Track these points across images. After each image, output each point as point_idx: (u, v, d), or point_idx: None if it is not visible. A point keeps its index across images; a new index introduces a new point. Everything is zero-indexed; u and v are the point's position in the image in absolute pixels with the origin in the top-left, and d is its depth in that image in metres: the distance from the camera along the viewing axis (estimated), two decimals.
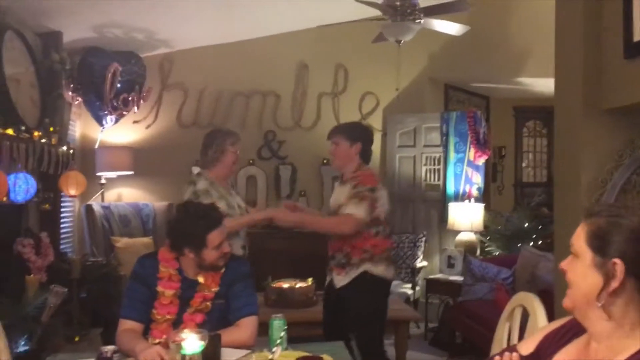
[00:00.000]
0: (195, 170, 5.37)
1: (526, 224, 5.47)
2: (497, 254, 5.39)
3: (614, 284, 1.12)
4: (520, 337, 1.89)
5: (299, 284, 4.02)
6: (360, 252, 3.03)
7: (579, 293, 1.18)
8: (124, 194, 6.04)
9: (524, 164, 8.03)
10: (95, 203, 5.53)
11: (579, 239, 1.19)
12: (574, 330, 1.28)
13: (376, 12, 4.46)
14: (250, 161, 6.09)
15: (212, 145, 3.12)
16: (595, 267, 1.15)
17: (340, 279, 3.09)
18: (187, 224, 2.24)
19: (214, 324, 2.22)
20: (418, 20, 4.21)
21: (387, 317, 3.19)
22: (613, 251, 1.13)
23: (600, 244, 1.15)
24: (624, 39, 2.42)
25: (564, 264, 1.22)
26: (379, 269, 3.03)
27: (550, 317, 1.73)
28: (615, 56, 2.49)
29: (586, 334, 1.23)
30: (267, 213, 3.18)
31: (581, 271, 1.17)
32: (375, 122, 6.29)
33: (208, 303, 2.28)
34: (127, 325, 2.25)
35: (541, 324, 1.75)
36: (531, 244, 5.13)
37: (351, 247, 3.04)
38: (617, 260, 1.12)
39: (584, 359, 1.20)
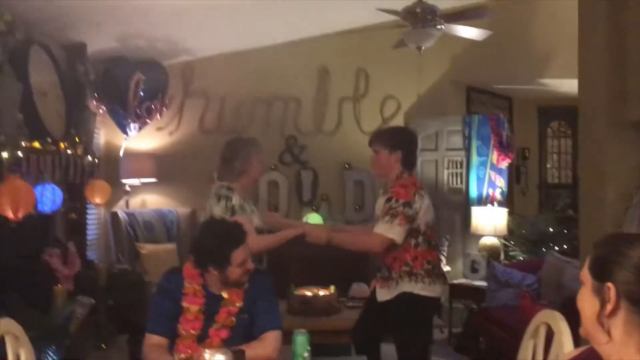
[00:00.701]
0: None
1: (551, 229, 5.39)
2: (521, 258, 5.34)
3: (609, 307, 1.19)
4: (545, 355, 1.88)
5: (322, 292, 4.02)
6: (399, 266, 2.90)
7: (584, 318, 1.26)
8: (148, 200, 6.11)
9: (548, 165, 7.93)
10: (120, 210, 5.60)
11: (585, 268, 1.27)
12: (592, 357, 1.31)
13: (396, 18, 4.45)
14: (272, 166, 6.11)
15: (238, 157, 3.01)
16: (593, 292, 1.23)
17: (383, 293, 3.00)
18: (211, 243, 2.26)
19: (239, 338, 2.24)
20: (439, 27, 4.18)
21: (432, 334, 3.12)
22: (607, 276, 1.20)
23: (597, 270, 1.23)
24: None
25: (578, 295, 1.29)
26: (420, 287, 2.87)
27: (576, 335, 1.71)
28: None
29: None
30: (298, 231, 2.95)
31: (585, 297, 1.25)
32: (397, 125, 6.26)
33: (233, 318, 2.30)
34: (154, 340, 2.28)
35: (566, 344, 1.74)
36: (557, 248, 5.07)
37: (392, 260, 2.93)
38: (610, 285, 1.19)
39: None
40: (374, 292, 3.13)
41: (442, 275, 3.00)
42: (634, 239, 1.25)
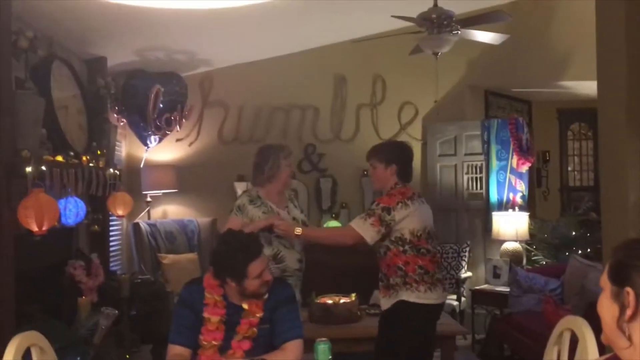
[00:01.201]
0: (240, 187, 5.50)
1: (574, 232, 5.33)
2: (544, 263, 5.28)
3: (628, 312, 1.18)
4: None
5: (343, 300, 4.01)
6: (394, 270, 2.98)
7: (604, 324, 1.25)
8: (169, 211, 6.17)
9: (569, 168, 7.84)
10: (142, 221, 5.66)
11: (604, 273, 1.26)
12: None
13: (412, 25, 4.45)
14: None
15: (268, 161, 3.12)
16: (613, 298, 1.22)
17: (384, 302, 3.07)
18: (228, 256, 2.28)
19: (260, 349, 2.25)
20: (455, 32, 4.17)
21: (433, 341, 3.14)
22: (626, 281, 1.20)
23: (616, 276, 1.22)
24: None
25: (598, 301, 1.29)
26: (415, 295, 2.94)
27: (600, 340, 1.69)
28: None
29: None
30: (267, 221, 3.00)
31: (605, 303, 1.25)
32: (415, 131, 6.25)
33: (254, 329, 2.31)
34: (176, 351, 2.31)
35: (591, 351, 1.72)
36: (580, 252, 5.00)
37: (386, 267, 3.03)
38: (629, 289, 1.19)
39: None
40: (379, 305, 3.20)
41: (439, 281, 3.03)
42: None
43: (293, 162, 3.23)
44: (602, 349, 1.70)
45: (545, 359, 1.96)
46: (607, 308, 1.23)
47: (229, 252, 2.28)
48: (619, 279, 1.21)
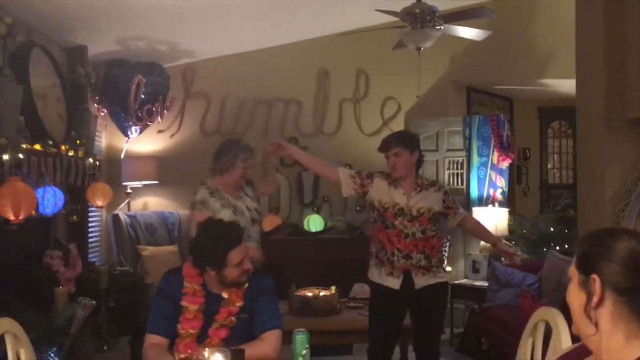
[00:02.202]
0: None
1: (552, 228, 5.39)
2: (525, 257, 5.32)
3: (595, 298, 1.21)
4: (544, 352, 1.88)
5: (323, 292, 4.02)
6: (375, 241, 3.19)
7: (573, 312, 1.28)
8: (149, 202, 6.12)
9: (549, 166, 7.92)
10: (122, 212, 5.61)
11: (572, 263, 1.29)
12: (582, 354, 1.34)
13: (396, 19, 4.46)
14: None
15: (225, 155, 3.21)
16: (580, 286, 1.25)
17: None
18: (207, 244, 2.27)
19: (239, 338, 2.24)
20: (438, 27, 4.19)
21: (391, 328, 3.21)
22: (592, 269, 1.22)
23: (583, 264, 1.25)
24: None
25: (567, 291, 1.31)
26: (371, 271, 3.16)
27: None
28: (637, 66, 2.45)
29: (592, 356, 1.30)
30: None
31: (573, 292, 1.27)
32: (397, 126, 6.26)
33: (233, 318, 2.30)
34: (153, 340, 2.29)
35: (564, 341, 1.74)
36: (557, 248, 5.06)
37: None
38: (595, 276, 1.21)
39: None
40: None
41: (388, 262, 3.11)
42: (617, 232, 1.27)
43: (252, 166, 3.23)
44: (576, 339, 1.72)
45: (519, 350, 1.98)
46: (575, 296, 1.26)
47: (209, 239, 2.27)
48: (586, 268, 1.24)
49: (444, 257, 3.19)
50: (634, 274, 1.20)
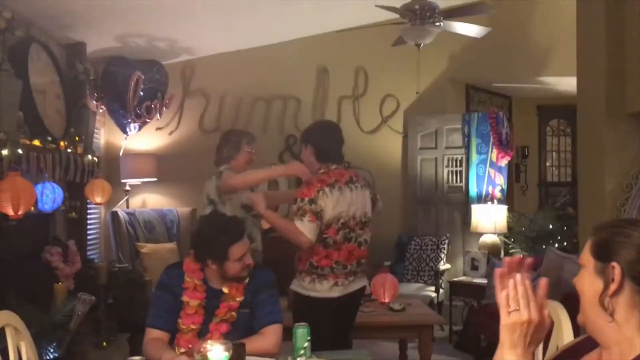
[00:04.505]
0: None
1: (551, 225, 5.40)
2: (521, 256, 5.34)
3: (613, 286, 1.19)
4: (545, 345, 1.88)
5: None
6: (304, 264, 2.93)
7: (585, 300, 1.25)
8: (148, 200, 6.12)
9: (548, 164, 7.93)
10: (121, 210, 5.60)
11: (585, 251, 1.27)
12: (588, 346, 1.32)
13: (395, 16, 4.46)
14: (272, 165, 6.10)
15: (228, 143, 3.22)
16: (596, 273, 1.22)
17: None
18: (209, 238, 2.27)
19: (240, 333, 2.24)
20: (438, 24, 4.19)
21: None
22: (612, 256, 1.20)
23: (601, 251, 1.23)
24: None
25: (575, 279, 1.29)
26: (299, 285, 2.95)
27: (575, 325, 1.72)
28: (639, 60, 2.45)
29: (599, 348, 1.28)
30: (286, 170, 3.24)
31: (586, 279, 1.25)
32: (396, 124, 6.28)
33: (233, 313, 2.30)
34: (154, 335, 2.29)
35: (566, 333, 1.74)
36: (556, 245, 5.07)
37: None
38: (615, 264, 1.19)
39: None
40: None
41: (322, 275, 2.88)
42: (636, 221, 1.25)
43: (256, 150, 3.22)
44: (577, 333, 1.72)
45: None
46: (589, 283, 1.24)
47: (211, 233, 2.27)
48: (604, 255, 1.22)
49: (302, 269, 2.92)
50: None
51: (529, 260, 1.29)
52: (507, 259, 1.28)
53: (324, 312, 2.69)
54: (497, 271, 1.22)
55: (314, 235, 2.80)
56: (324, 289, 2.85)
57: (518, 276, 1.20)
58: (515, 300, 1.18)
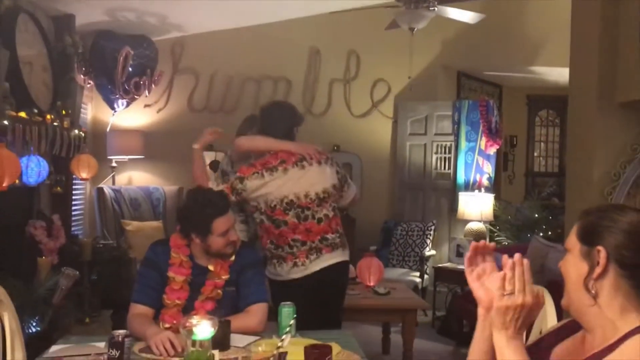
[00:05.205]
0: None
1: (536, 215, 5.44)
2: (506, 244, 5.38)
3: (598, 269, 1.21)
4: (529, 329, 1.89)
5: None
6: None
7: (569, 283, 1.27)
8: (134, 177, 6.07)
9: (535, 154, 7.97)
10: (106, 186, 5.56)
11: (572, 235, 1.29)
12: (572, 329, 1.34)
13: None
14: None
15: (252, 127, 3.13)
16: (582, 257, 1.24)
17: None
18: (194, 211, 2.26)
19: (225, 311, 2.24)
20: (432, 8, 4.17)
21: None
22: (598, 240, 1.22)
23: (587, 236, 1.25)
24: None
25: (560, 263, 1.31)
26: (267, 271, 2.86)
27: (559, 309, 1.73)
28: (631, 50, 2.46)
29: (582, 331, 1.30)
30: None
31: (571, 262, 1.27)
32: (387, 109, 6.27)
33: (219, 291, 2.30)
34: (138, 310, 2.28)
35: (550, 317, 1.76)
36: (541, 234, 5.11)
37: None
38: (600, 248, 1.21)
39: (579, 350, 1.28)
40: None
41: (281, 257, 2.84)
42: (625, 207, 1.27)
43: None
44: (561, 317, 1.74)
45: None
46: (574, 266, 1.26)
47: (195, 206, 2.26)
48: (591, 239, 1.24)
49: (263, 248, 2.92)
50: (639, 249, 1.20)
51: (492, 244, 1.36)
52: (474, 243, 1.33)
53: (294, 294, 2.54)
54: (467, 255, 1.24)
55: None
56: (284, 272, 2.82)
57: (517, 256, 1.21)
58: (511, 283, 1.19)
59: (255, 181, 2.78)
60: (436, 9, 4.24)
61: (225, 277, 2.32)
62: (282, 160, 2.82)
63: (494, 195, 5.56)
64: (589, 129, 2.72)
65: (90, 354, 1.92)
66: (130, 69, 5.38)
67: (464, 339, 4.68)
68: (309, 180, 2.84)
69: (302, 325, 2.18)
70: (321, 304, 2.77)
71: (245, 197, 2.81)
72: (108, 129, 5.76)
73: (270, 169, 2.80)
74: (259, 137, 2.95)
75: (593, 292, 1.22)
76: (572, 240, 1.28)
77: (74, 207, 5.07)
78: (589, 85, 2.73)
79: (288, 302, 2.20)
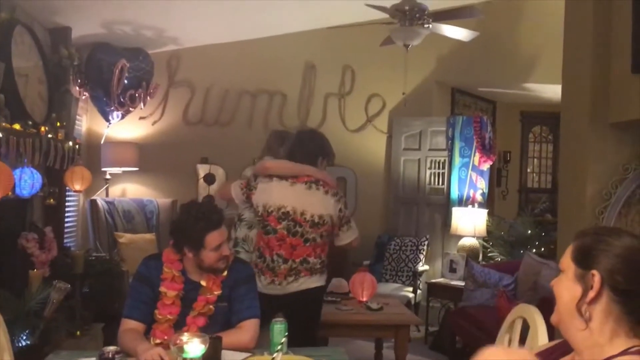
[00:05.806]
0: (202, 170, 5.49)
1: (529, 231, 5.46)
2: (499, 259, 5.39)
3: (591, 294, 1.20)
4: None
5: None
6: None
7: (562, 304, 1.27)
8: (128, 189, 6.06)
9: (529, 170, 8.01)
10: (100, 198, 5.54)
11: (567, 256, 1.28)
12: (562, 350, 1.34)
13: (385, 16, 4.46)
14: (255, 160, 6.08)
15: (284, 143, 3.31)
16: (576, 279, 1.24)
17: None
18: (187, 224, 2.26)
19: (217, 326, 2.23)
20: (427, 25, 4.20)
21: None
22: (593, 264, 1.22)
23: (582, 258, 1.24)
24: (632, 54, 2.42)
25: (553, 282, 1.30)
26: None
27: (550, 329, 1.74)
28: (623, 70, 2.48)
29: (572, 353, 1.30)
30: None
31: (565, 284, 1.26)
32: (381, 124, 6.29)
33: (211, 306, 2.29)
34: (130, 325, 2.26)
35: (541, 337, 1.76)
36: (534, 250, 5.12)
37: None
38: (595, 272, 1.21)
39: None
40: None
41: (261, 270, 2.93)
42: (619, 230, 1.27)
43: (246, 145, 3.41)
44: (552, 337, 1.74)
45: (497, 345, 2.00)
46: (568, 289, 1.25)
47: (189, 220, 2.26)
48: (586, 262, 1.23)
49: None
50: (634, 276, 1.19)
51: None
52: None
53: (271, 307, 2.54)
54: None
55: (235, 195, 3.08)
56: (262, 285, 2.88)
57: None
58: None
59: (263, 184, 2.98)
60: (431, 26, 4.28)
61: (217, 292, 2.32)
62: (294, 175, 2.99)
63: (487, 210, 5.57)
64: (581, 148, 2.74)
65: None
66: (126, 81, 5.40)
67: (457, 355, 4.68)
68: (309, 200, 2.95)
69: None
70: (297, 323, 2.78)
71: (253, 199, 2.99)
72: (102, 141, 5.76)
73: (280, 176, 2.98)
74: (284, 162, 3.07)
75: (586, 315, 1.21)
76: (567, 262, 1.27)
77: (66, 219, 5.06)
78: (582, 105, 2.75)
79: (280, 319, 2.19)
